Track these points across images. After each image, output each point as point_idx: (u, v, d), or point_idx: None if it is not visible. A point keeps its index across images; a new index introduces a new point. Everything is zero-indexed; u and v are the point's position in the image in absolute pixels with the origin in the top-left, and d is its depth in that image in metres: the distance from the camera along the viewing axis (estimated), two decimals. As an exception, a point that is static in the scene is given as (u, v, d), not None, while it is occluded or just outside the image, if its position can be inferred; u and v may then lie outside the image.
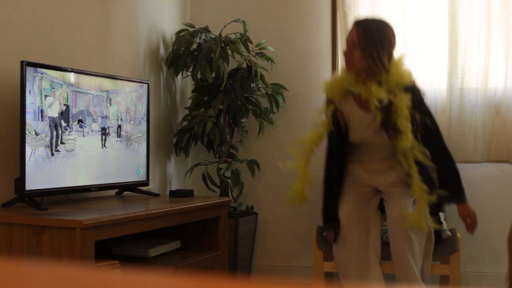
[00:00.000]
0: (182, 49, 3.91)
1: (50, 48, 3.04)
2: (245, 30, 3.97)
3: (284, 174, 4.22)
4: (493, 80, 3.78)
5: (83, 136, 2.97)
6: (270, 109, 4.08)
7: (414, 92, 2.88)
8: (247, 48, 3.94)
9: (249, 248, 4.00)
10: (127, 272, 0.67)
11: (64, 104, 2.85)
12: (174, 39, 4.04)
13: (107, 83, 3.14)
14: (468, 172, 3.91)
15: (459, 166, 3.88)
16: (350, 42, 2.89)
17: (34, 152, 2.66)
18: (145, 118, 3.44)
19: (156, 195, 3.43)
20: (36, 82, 2.67)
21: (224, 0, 4.33)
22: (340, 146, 3.02)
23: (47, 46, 3.02)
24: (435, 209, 2.98)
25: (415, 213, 2.85)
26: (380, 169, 3.03)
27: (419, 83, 3.90)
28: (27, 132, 2.61)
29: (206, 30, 4.03)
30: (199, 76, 3.97)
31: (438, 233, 3.16)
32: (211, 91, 4.01)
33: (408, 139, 2.77)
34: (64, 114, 2.84)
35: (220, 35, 4.02)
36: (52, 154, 2.77)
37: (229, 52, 3.95)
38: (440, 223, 3.24)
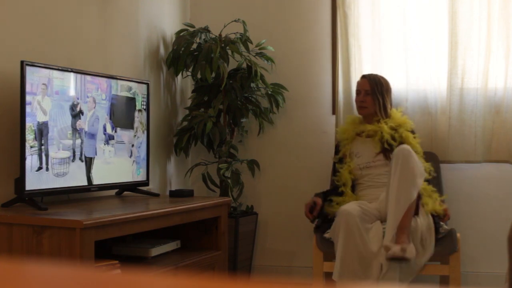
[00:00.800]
0: (182, 49, 3.91)
1: (50, 48, 3.03)
2: (245, 30, 3.97)
3: (284, 174, 4.22)
4: (493, 80, 3.78)
5: (83, 136, 2.97)
6: (270, 109, 4.08)
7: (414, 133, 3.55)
8: (247, 48, 3.94)
9: (249, 248, 4.00)
10: (127, 272, 0.67)
11: (64, 104, 2.84)
12: (174, 39, 4.04)
13: (107, 83, 3.14)
14: (468, 172, 3.92)
15: (459, 166, 3.90)
16: (362, 91, 3.55)
17: (34, 152, 2.66)
18: (145, 118, 3.44)
19: (156, 195, 3.43)
20: (36, 82, 2.67)
21: (224, 0, 4.33)
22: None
23: (47, 46, 3.02)
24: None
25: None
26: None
27: (419, 83, 3.92)
28: (27, 132, 2.61)
29: (206, 30, 4.03)
30: (199, 76, 3.97)
31: (436, 223, 3.23)
32: (211, 91, 4.01)
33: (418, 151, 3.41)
34: (64, 114, 2.84)
35: (220, 35, 4.02)
36: (53, 154, 2.77)
37: (229, 52, 3.95)
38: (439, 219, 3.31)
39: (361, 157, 3.52)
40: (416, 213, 3.21)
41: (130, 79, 3.36)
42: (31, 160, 2.65)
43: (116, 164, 3.23)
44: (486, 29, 3.77)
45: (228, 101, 3.95)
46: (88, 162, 3.03)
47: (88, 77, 3.02)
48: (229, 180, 3.85)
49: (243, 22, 4.00)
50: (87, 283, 0.63)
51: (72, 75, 2.90)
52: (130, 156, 3.35)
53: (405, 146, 3.24)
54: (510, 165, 3.80)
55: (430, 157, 3.69)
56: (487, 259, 3.85)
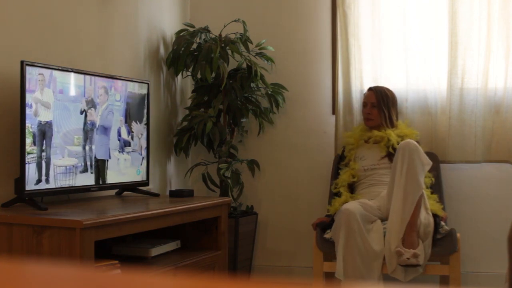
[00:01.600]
0: (182, 49, 3.91)
1: (50, 48, 3.04)
2: (245, 30, 3.97)
3: (284, 174, 4.22)
4: (493, 80, 3.78)
5: (83, 136, 2.97)
6: (270, 109, 4.08)
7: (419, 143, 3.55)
8: (247, 48, 3.94)
9: (249, 248, 4.00)
10: (127, 272, 0.67)
11: (65, 104, 2.84)
12: (174, 39, 4.04)
13: (107, 83, 3.14)
14: (468, 172, 3.92)
15: (459, 166, 3.90)
16: (369, 103, 3.66)
17: (34, 152, 2.66)
18: (145, 118, 3.44)
19: (156, 195, 3.43)
20: (36, 82, 2.67)
21: (224, 0, 4.33)
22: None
23: (47, 46, 3.02)
24: None
25: None
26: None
27: (419, 83, 3.92)
28: (27, 132, 2.61)
29: (206, 30, 4.03)
30: (199, 76, 3.97)
31: (437, 224, 3.25)
32: (211, 91, 4.01)
33: None
34: (64, 114, 2.84)
35: (220, 35, 4.02)
36: (53, 154, 2.77)
37: (229, 52, 3.95)
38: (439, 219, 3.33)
39: (366, 160, 3.61)
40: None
41: (130, 79, 3.36)
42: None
43: (116, 164, 3.23)
44: (486, 29, 3.77)
45: (228, 101, 3.95)
46: (89, 162, 3.03)
47: (88, 77, 3.01)
48: (229, 180, 3.85)
49: (243, 22, 4.00)
50: (87, 283, 0.63)
51: (72, 75, 2.90)
52: (130, 156, 3.35)
53: (410, 140, 3.30)
54: (510, 165, 3.80)
55: (430, 157, 3.68)
56: (487, 259, 3.85)
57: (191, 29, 4.02)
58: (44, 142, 2.72)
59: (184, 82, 4.33)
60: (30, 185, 2.65)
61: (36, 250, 2.41)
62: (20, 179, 2.62)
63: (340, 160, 3.75)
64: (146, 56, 3.88)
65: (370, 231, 3.20)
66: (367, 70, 3.95)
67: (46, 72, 2.74)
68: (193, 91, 4.15)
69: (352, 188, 3.61)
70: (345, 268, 3.13)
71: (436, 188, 3.61)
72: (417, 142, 3.53)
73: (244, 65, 3.97)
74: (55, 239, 2.38)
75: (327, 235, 3.35)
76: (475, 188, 3.91)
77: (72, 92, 2.92)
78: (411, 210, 3.14)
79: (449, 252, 3.25)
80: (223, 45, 3.89)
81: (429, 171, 3.51)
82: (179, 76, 4.19)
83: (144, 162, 3.45)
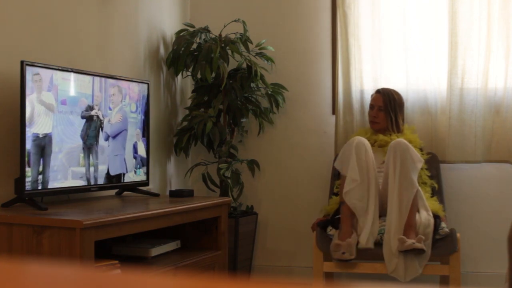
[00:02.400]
0: (182, 49, 3.91)
1: (50, 48, 3.03)
2: (245, 30, 3.97)
3: (284, 174, 4.22)
4: (493, 80, 3.78)
5: (83, 136, 2.97)
6: (270, 109, 4.08)
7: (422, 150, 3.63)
8: (247, 48, 3.94)
9: (249, 248, 4.00)
10: (127, 272, 0.67)
11: (64, 104, 2.84)
12: (174, 39, 4.04)
13: (107, 83, 3.14)
14: (468, 172, 3.92)
15: (459, 166, 3.90)
16: (376, 106, 3.65)
17: (34, 152, 2.66)
18: (145, 118, 3.44)
19: (156, 195, 3.43)
20: (36, 82, 2.67)
21: (224, 0, 4.33)
22: None
23: (47, 46, 3.02)
24: None
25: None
26: None
27: (419, 83, 3.92)
28: (27, 132, 2.61)
29: (206, 30, 4.03)
30: (199, 76, 3.97)
31: (437, 224, 3.27)
32: (211, 91, 4.01)
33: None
34: (64, 114, 2.84)
35: (220, 35, 4.02)
36: (53, 154, 2.76)
37: (229, 52, 3.95)
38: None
39: None
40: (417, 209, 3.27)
41: (130, 79, 3.36)
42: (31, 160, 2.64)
43: (116, 164, 3.23)
44: (486, 29, 3.77)
45: (228, 101, 3.95)
46: (89, 162, 3.02)
47: (88, 77, 3.01)
48: (229, 180, 3.85)
49: (243, 22, 4.00)
50: (87, 283, 0.63)
51: (72, 75, 2.90)
52: (130, 156, 3.34)
53: (400, 139, 3.34)
54: (510, 165, 3.80)
55: (430, 157, 3.69)
56: (487, 259, 3.85)
57: (191, 29, 4.02)
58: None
59: (184, 82, 4.33)
60: (30, 185, 2.64)
61: (36, 250, 2.41)
62: (20, 179, 2.62)
63: None
64: (146, 56, 3.88)
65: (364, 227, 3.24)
66: (367, 70, 3.95)
67: (46, 72, 2.74)
68: (193, 91, 4.15)
69: None
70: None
71: (437, 187, 3.61)
72: (420, 149, 3.60)
73: (244, 65, 3.97)
74: (55, 239, 2.38)
75: (330, 232, 3.35)
76: (475, 188, 3.91)
77: (74, 96, 2.91)
78: (408, 209, 3.17)
79: (449, 252, 3.25)
80: (223, 45, 3.89)
81: (430, 177, 3.57)
82: (179, 76, 4.19)
83: (144, 162, 3.45)
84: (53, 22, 3.07)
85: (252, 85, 4.01)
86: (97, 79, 3.07)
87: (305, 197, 4.16)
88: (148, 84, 3.47)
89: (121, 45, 3.62)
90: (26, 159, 2.61)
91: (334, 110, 4.06)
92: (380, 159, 3.53)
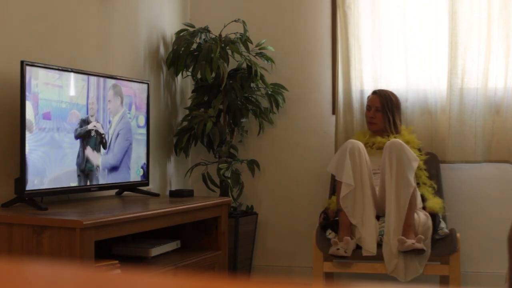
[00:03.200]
0: (182, 49, 3.91)
1: (50, 48, 3.03)
2: (245, 30, 3.97)
3: (284, 174, 4.22)
4: (493, 80, 3.78)
5: (83, 136, 2.97)
6: (270, 109, 4.08)
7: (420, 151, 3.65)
8: (247, 48, 3.94)
9: (249, 248, 4.00)
10: (127, 272, 0.67)
11: (64, 104, 2.84)
12: (174, 39, 4.04)
13: (107, 83, 3.14)
14: (468, 172, 3.92)
15: (459, 166, 3.90)
16: (373, 107, 3.65)
17: (34, 152, 2.66)
18: (145, 118, 3.44)
19: (156, 195, 3.43)
20: (36, 82, 2.67)
21: (224, 0, 4.33)
22: None
23: (47, 46, 3.02)
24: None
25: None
26: None
27: (419, 83, 3.92)
28: (27, 132, 2.61)
29: (206, 30, 4.03)
30: (199, 76, 3.97)
31: (435, 221, 3.29)
32: (211, 91, 4.01)
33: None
34: (64, 114, 2.84)
35: (220, 35, 4.02)
36: (53, 154, 2.77)
37: (229, 52, 3.95)
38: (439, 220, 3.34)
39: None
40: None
41: (130, 79, 3.36)
42: (31, 160, 2.63)
43: (116, 164, 3.23)
44: (486, 29, 3.77)
45: (228, 101, 3.95)
46: (89, 162, 3.02)
47: (88, 77, 3.01)
48: (229, 180, 3.85)
49: (243, 22, 4.00)
50: (87, 283, 0.63)
51: (72, 75, 2.90)
52: (130, 156, 3.34)
53: (395, 139, 3.35)
54: (510, 165, 3.80)
55: (430, 157, 3.69)
56: (487, 259, 3.85)
57: (191, 29, 4.02)
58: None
59: (184, 82, 4.33)
60: (30, 185, 2.64)
61: (36, 250, 2.41)
62: (20, 179, 2.62)
63: None
64: (146, 56, 3.88)
65: (363, 226, 3.25)
66: (367, 70, 3.95)
67: (46, 72, 2.73)
68: (193, 91, 4.15)
69: None
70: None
71: (436, 187, 3.61)
72: (419, 149, 3.60)
73: (244, 65, 3.97)
74: (55, 239, 2.38)
75: (329, 236, 3.36)
76: (475, 188, 3.91)
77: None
78: (405, 208, 3.17)
79: (449, 252, 3.25)
80: (223, 45, 3.89)
81: (430, 178, 3.57)
82: (179, 76, 4.19)
83: (144, 162, 3.45)
84: (53, 22, 3.07)
85: (252, 85, 4.01)
86: (97, 79, 3.07)
87: (305, 197, 4.16)
88: (148, 84, 3.47)
89: (121, 45, 3.62)
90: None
91: (334, 110, 4.06)
92: (378, 160, 3.53)
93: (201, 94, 4.06)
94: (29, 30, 2.92)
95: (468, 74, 3.80)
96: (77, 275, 0.66)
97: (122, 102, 3.25)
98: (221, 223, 3.37)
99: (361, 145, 3.35)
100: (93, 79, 3.03)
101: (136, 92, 3.37)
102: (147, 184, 3.48)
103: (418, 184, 3.49)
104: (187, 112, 4.11)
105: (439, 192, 3.62)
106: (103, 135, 3.11)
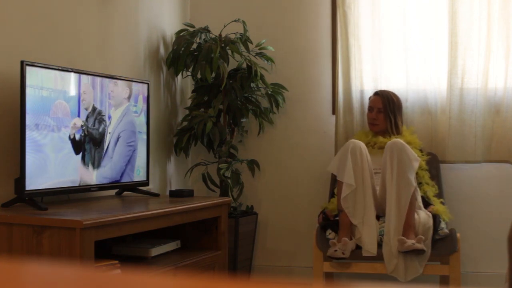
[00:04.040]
0: (182, 49, 3.91)
1: (50, 48, 3.03)
2: (245, 30, 3.97)
3: (284, 174, 4.22)
4: (493, 80, 3.78)
5: (83, 136, 2.97)
6: (270, 109, 4.08)
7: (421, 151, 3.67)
8: (247, 48, 3.94)
9: (249, 248, 4.00)
10: (127, 272, 0.67)
11: (64, 104, 2.84)
12: (174, 39, 4.04)
13: (107, 83, 3.14)
14: (468, 172, 3.92)
15: (459, 166, 3.90)
16: (375, 108, 3.65)
17: (34, 152, 2.66)
18: (145, 118, 3.44)
19: (156, 195, 3.43)
20: (36, 82, 2.67)
21: (224, 0, 4.33)
22: None
23: (47, 46, 3.02)
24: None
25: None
26: None
27: (419, 83, 3.92)
28: (27, 132, 2.61)
29: (206, 30, 4.03)
30: (199, 76, 3.97)
31: (436, 222, 3.28)
32: (211, 91, 4.01)
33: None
34: (64, 114, 2.84)
35: (220, 35, 4.02)
36: (53, 154, 2.76)
37: (229, 52, 3.95)
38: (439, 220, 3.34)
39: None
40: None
41: (130, 79, 3.36)
42: (31, 160, 2.63)
43: (116, 164, 3.23)
44: (486, 29, 3.77)
45: (228, 101, 3.95)
46: (89, 162, 3.02)
47: (88, 77, 3.01)
48: (229, 180, 3.85)
49: (243, 22, 4.00)
50: (87, 283, 0.63)
51: (72, 75, 2.90)
52: (130, 156, 3.34)
53: (396, 139, 3.34)
54: (510, 165, 3.80)
55: (430, 157, 3.69)
56: (487, 259, 3.85)
57: (191, 29, 4.02)
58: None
59: (184, 82, 4.33)
60: (30, 185, 2.64)
61: (36, 250, 2.41)
62: (20, 179, 2.62)
63: None
64: (146, 56, 3.88)
65: (364, 225, 3.25)
66: (367, 70, 3.95)
67: (46, 72, 2.73)
68: (193, 91, 4.15)
69: None
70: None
71: (437, 188, 3.61)
72: (420, 150, 3.61)
73: (244, 65, 3.97)
74: (55, 239, 2.38)
75: (329, 236, 3.36)
76: (475, 188, 3.91)
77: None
78: (406, 208, 3.17)
79: (449, 252, 3.25)
80: (223, 45, 3.89)
81: (431, 179, 3.58)
82: (179, 76, 4.19)
83: (144, 162, 3.45)
84: (53, 22, 3.07)
85: (252, 85, 4.01)
86: (97, 79, 3.07)
87: (305, 197, 4.16)
88: (148, 84, 3.47)
89: (121, 45, 3.62)
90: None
91: (334, 110, 4.06)
92: (380, 159, 3.52)
93: (201, 94, 4.06)
94: (29, 30, 2.92)
95: (468, 74, 3.80)
96: (77, 275, 0.66)
97: (122, 102, 3.25)
98: (221, 223, 3.37)
99: (362, 145, 3.35)
100: (93, 79, 3.03)
101: (136, 92, 3.37)
102: (147, 184, 3.48)
103: (420, 184, 3.49)
104: (187, 112, 4.11)
105: (439, 192, 3.62)
106: (103, 135, 3.11)
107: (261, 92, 4.09)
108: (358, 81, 3.94)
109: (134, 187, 3.39)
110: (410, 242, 3.09)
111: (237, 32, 4.00)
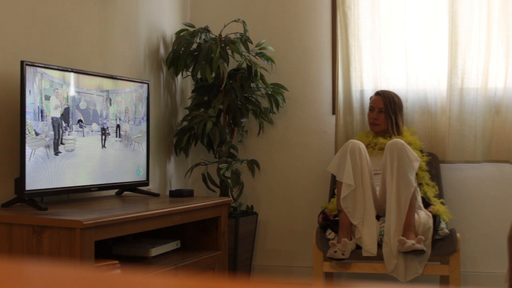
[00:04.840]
0: (182, 49, 3.91)
1: (50, 48, 3.04)
2: (245, 30, 3.97)
3: (284, 174, 4.22)
4: (493, 80, 3.78)
5: (83, 136, 2.97)
6: (270, 109, 4.08)
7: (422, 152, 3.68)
8: (247, 48, 3.94)
9: (249, 248, 4.00)
10: (127, 272, 0.67)
11: (64, 104, 2.84)
12: (174, 39, 4.04)
13: (107, 83, 3.14)
14: (468, 172, 3.92)
15: (459, 166, 3.90)
16: (376, 108, 3.66)
17: (34, 152, 2.66)
18: (145, 118, 3.44)
19: (156, 195, 3.43)
20: (36, 82, 2.67)
21: (224, 0, 4.33)
22: None
23: (47, 46, 3.02)
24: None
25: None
26: None
27: (419, 83, 3.92)
28: (27, 132, 2.61)
29: (206, 30, 4.03)
30: (199, 76, 3.97)
31: (436, 222, 3.28)
32: (211, 91, 4.01)
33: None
34: (64, 114, 2.84)
35: (220, 35, 4.02)
36: (53, 154, 2.77)
37: (229, 52, 3.95)
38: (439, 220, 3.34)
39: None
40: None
41: (130, 79, 3.36)
42: (31, 160, 2.64)
43: (116, 164, 3.23)
44: (486, 29, 3.77)
45: (228, 101, 3.95)
46: (89, 162, 3.02)
47: (88, 77, 3.01)
48: (229, 180, 3.85)
49: (243, 22, 4.00)
50: (87, 283, 0.63)
51: (72, 75, 2.90)
52: (130, 156, 3.34)
53: (397, 139, 3.34)
54: (510, 165, 3.80)
55: (430, 157, 3.69)
56: (487, 259, 3.85)
57: (191, 29, 4.02)
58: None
59: (184, 82, 4.33)
60: (30, 185, 2.64)
61: (36, 250, 2.41)
62: (20, 179, 2.62)
63: None
64: (146, 56, 3.88)
65: (363, 226, 3.25)
66: (367, 70, 3.95)
67: (46, 72, 2.73)
68: (193, 91, 4.15)
69: None
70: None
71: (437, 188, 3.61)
72: (421, 151, 3.61)
73: (244, 65, 3.97)
74: (55, 239, 2.38)
75: (329, 236, 3.36)
76: (475, 188, 3.91)
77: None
78: (406, 208, 3.17)
79: (449, 252, 3.25)
80: (223, 45, 3.90)
81: (431, 179, 3.58)
82: (179, 76, 4.19)
83: (144, 161, 3.45)
84: (53, 22, 3.07)
85: (252, 85, 4.01)
86: (97, 79, 3.07)
87: (305, 197, 4.16)
88: (148, 84, 3.47)
89: (121, 45, 3.62)
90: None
91: (334, 110, 4.07)
92: (381, 162, 3.51)
93: (201, 94, 4.06)
94: (29, 30, 2.92)
95: (468, 74, 3.80)
96: (77, 275, 0.66)
97: (122, 102, 3.25)
98: (221, 223, 3.38)
99: (362, 145, 3.35)
100: (93, 79, 3.03)
101: (136, 92, 3.37)
102: (147, 184, 3.48)
103: (421, 185, 3.49)
104: (187, 112, 4.11)
105: (439, 193, 3.62)
106: (104, 135, 3.11)
107: (261, 92, 4.10)
108: (358, 81, 3.94)
109: (134, 187, 3.39)
110: (410, 242, 3.09)
111: (237, 32, 4.00)
